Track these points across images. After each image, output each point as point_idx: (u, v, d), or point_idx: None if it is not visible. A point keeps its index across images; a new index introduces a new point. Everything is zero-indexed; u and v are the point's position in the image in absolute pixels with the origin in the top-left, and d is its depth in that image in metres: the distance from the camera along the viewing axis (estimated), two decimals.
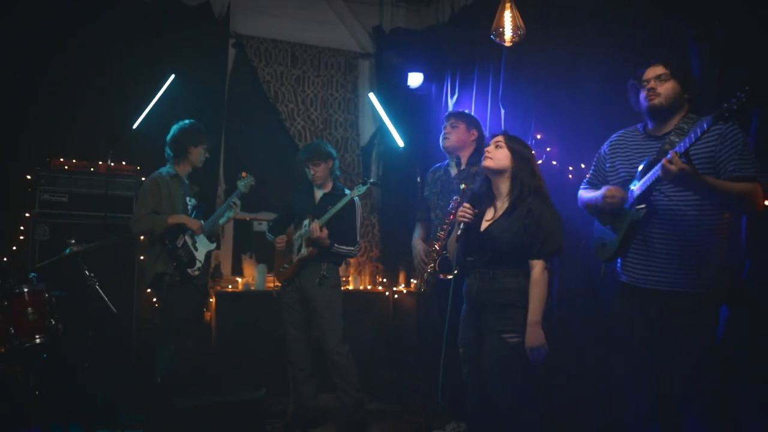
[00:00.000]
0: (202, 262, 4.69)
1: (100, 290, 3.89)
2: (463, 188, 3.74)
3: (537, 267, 3.22)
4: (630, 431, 3.21)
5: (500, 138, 3.38)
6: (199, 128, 4.74)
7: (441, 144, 4.57)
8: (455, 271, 3.48)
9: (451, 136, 4.50)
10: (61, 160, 5.11)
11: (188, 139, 4.66)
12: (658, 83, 3.09)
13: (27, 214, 5.03)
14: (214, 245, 4.86)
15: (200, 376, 4.79)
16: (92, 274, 3.82)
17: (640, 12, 3.84)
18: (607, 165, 3.33)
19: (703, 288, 2.97)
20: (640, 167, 3.08)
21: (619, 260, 3.23)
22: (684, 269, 2.99)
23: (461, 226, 3.34)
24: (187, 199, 4.71)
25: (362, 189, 4.62)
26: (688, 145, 2.80)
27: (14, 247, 4.79)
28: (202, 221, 4.69)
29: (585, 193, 3.40)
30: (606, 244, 3.25)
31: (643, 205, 3.04)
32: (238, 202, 4.88)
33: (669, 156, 2.79)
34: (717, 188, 2.87)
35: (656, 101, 3.09)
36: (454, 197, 3.81)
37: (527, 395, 3.25)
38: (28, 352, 3.56)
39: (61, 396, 3.68)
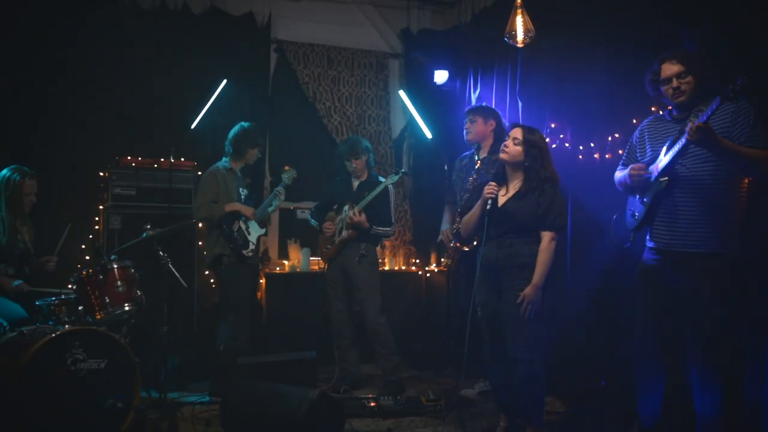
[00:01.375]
0: (255, 244, 5.33)
1: (172, 268, 4.49)
2: (474, 177, 4.39)
3: (546, 237, 3.77)
4: (637, 367, 3.69)
5: (518, 134, 3.87)
6: (257, 131, 5.37)
7: (465, 138, 5.13)
8: (474, 243, 4.03)
9: (471, 131, 5.04)
10: (129, 158, 5.75)
11: (248, 141, 5.29)
12: (681, 81, 3.47)
13: (101, 206, 5.69)
14: (264, 230, 5.49)
15: (256, 344, 5.43)
16: (165, 255, 4.43)
17: (638, 14, 4.34)
18: (638, 148, 3.74)
19: (722, 249, 3.38)
20: (664, 148, 3.50)
21: (648, 230, 3.63)
22: (705, 232, 3.40)
23: (489, 201, 3.87)
24: (240, 190, 5.34)
25: (395, 178, 5.24)
26: (706, 117, 3.21)
27: (90, 235, 5.45)
28: (254, 209, 5.33)
29: (618, 174, 3.81)
30: (635, 215, 3.68)
31: (665, 177, 3.47)
32: (283, 191, 5.45)
33: (689, 125, 3.21)
34: (733, 150, 3.26)
35: (682, 99, 3.49)
36: (469, 177, 4.41)
37: (538, 346, 3.79)
38: (119, 318, 4.24)
39: (143, 358, 4.28)
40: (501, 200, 3.91)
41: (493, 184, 3.91)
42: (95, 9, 5.61)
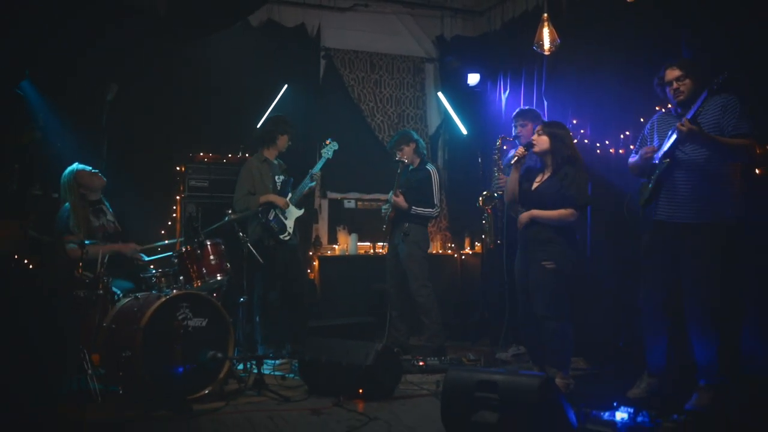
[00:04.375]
0: (292, 227, 5.82)
1: (250, 246, 5.26)
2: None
3: (566, 210, 4.48)
4: (643, 323, 4.42)
5: (540, 127, 4.66)
6: (285, 120, 5.88)
7: (516, 141, 5.56)
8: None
9: (523, 134, 5.50)
10: (201, 154, 6.56)
11: (278, 128, 5.83)
12: (679, 83, 4.18)
13: (178, 197, 6.50)
14: (302, 211, 5.95)
15: (316, 314, 6.18)
16: (244, 235, 5.20)
17: (646, 26, 5.06)
18: (648, 138, 4.42)
19: (713, 219, 4.06)
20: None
21: (654, 205, 4.29)
22: (700, 206, 4.09)
23: (515, 159, 4.64)
24: (276, 177, 5.86)
25: (426, 168, 5.88)
26: (693, 113, 3.99)
27: (169, 222, 6.26)
28: (290, 195, 5.78)
29: (631, 160, 4.52)
30: (643, 192, 4.37)
31: (667, 159, 4.16)
32: (318, 174, 5.96)
33: (681, 121, 3.99)
34: (719, 141, 3.98)
35: (681, 98, 4.20)
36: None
37: (561, 306, 4.52)
38: (213, 286, 5.03)
39: None
40: (534, 185, 4.65)
41: (521, 147, 4.65)
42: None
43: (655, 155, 4.25)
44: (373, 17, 7.79)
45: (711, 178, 4.09)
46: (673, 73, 4.20)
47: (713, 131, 4.02)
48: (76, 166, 5.21)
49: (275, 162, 5.92)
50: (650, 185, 4.28)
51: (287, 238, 5.79)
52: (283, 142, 5.88)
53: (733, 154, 4.06)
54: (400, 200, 5.77)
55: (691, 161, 4.12)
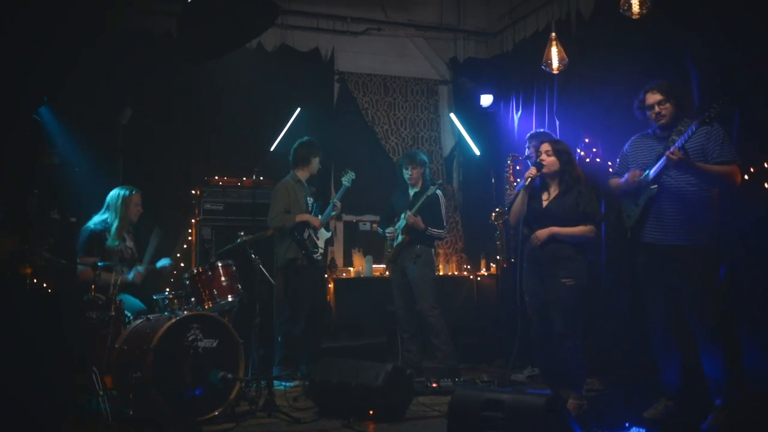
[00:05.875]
0: (323, 248, 5.98)
1: (262, 268, 5.29)
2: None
3: (587, 226, 4.50)
4: (654, 344, 4.41)
5: (548, 147, 4.65)
6: (315, 143, 6.01)
7: (528, 161, 5.50)
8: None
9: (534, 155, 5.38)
10: (216, 177, 6.62)
11: (312, 151, 5.95)
12: (661, 108, 4.28)
13: (193, 220, 6.57)
14: (330, 233, 6.13)
15: (331, 335, 6.19)
16: (257, 257, 5.23)
17: (653, 38, 5.07)
18: (630, 158, 4.51)
19: (698, 241, 4.17)
20: (653, 160, 4.28)
21: (640, 228, 4.36)
22: (686, 229, 4.20)
23: (528, 180, 4.62)
24: (308, 199, 5.96)
25: (433, 189, 5.89)
26: (682, 142, 4.09)
27: (185, 245, 6.32)
28: (319, 217, 5.89)
29: (614, 181, 4.60)
30: (630, 216, 4.43)
31: (655, 185, 4.25)
32: (339, 204, 6.01)
33: (671, 149, 4.05)
34: (705, 170, 4.11)
35: (663, 122, 4.31)
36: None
37: (578, 324, 4.50)
38: (224, 308, 5.07)
39: None
40: (544, 203, 4.64)
41: (533, 168, 4.65)
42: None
43: (644, 178, 4.30)
44: (387, 41, 7.87)
45: (695, 203, 4.19)
46: (654, 97, 4.30)
47: (698, 157, 4.14)
48: (135, 189, 5.49)
49: (306, 184, 6.03)
50: (637, 208, 4.36)
51: (319, 257, 5.92)
52: (315, 164, 6.00)
53: (718, 182, 4.17)
54: (419, 220, 5.79)
55: (678, 187, 4.23)
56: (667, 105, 4.26)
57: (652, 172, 4.25)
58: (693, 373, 4.34)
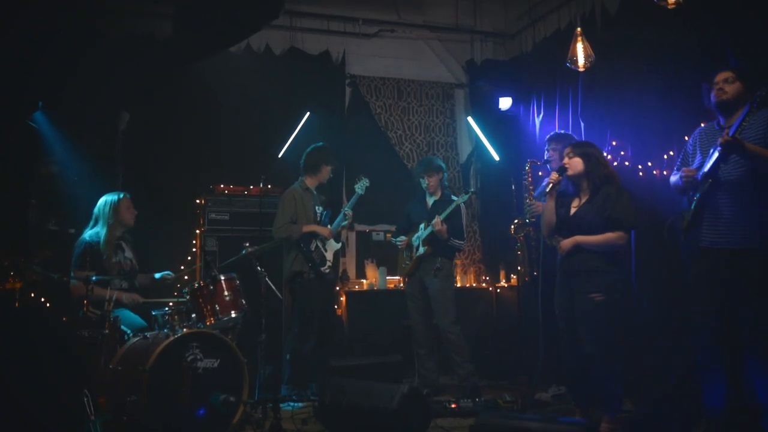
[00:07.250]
0: (332, 261, 5.65)
1: (268, 281, 4.96)
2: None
3: (616, 233, 4.10)
4: (699, 361, 4.01)
5: (569, 150, 4.29)
6: (329, 150, 5.70)
7: (548, 166, 5.26)
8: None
9: (555, 158, 5.12)
10: (222, 186, 6.32)
11: (323, 158, 5.63)
12: (726, 84, 3.92)
13: (198, 231, 6.26)
14: (340, 245, 5.79)
15: (342, 352, 5.85)
16: (263, 269, 4.90)
17: (686, 34, 4.70)
18: (691, 154, 4.15)
19: (762, 245, 3.74)
20: (711, 153, 3.90)
21: (697, 230, 3.97)
22: (747, 229, 3.78)
23: (549, 186, 4.28)
24: (317, 208, 5.65)
25: (465, 197, 5.62)
26: (735, 128, 3.72)
27: (189, 257, 6.02)
28: (330, 226, 5.60)
29: (672, 177, 4.23)
30: (685, 216, 4.04)
31: (709, 180, 3.87)
32: (350, 212, 5.72)
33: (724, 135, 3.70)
34: (760, 153, 3.70)
35: (723, 97, 3.93)
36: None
37: (611, 342, 4.11)
38: (227, 324, 4.74)
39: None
40: (572, 210, 4.28)
41: (554, 173, 4.30)
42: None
43: (698, 174, 3.94)
44: (400, 43, 7.58)
45: (757, 200, 3.78)
46: (723, 75, 3.96)
47: (759, 144, 3.74)
48: (123, 193, 5.19)
49: (315, 193, 5.73)
50: (692, 208, 3.97)
51: (327, 270, 5.60)
52: (326, 172, 5.70)
53: None
54: (444, 229, 5.45)
55: (735, 181, 3.83)
56: (735, 84, 3.91)
57: (707, 165, 3.88)
58: (741, 396, 3.94)
